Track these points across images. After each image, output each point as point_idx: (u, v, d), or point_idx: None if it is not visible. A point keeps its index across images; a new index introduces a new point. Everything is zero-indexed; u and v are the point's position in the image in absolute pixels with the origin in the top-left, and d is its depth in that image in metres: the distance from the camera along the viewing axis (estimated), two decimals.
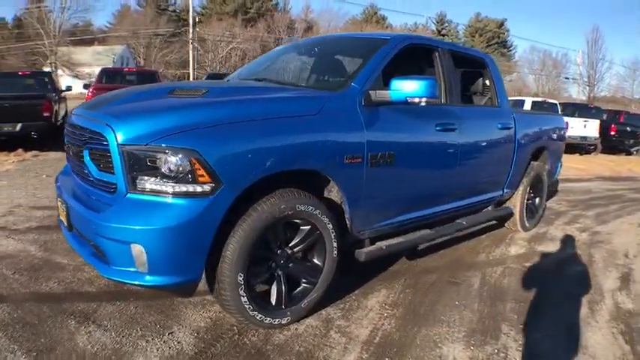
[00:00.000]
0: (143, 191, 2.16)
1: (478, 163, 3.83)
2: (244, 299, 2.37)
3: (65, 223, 2.64)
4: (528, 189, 4.78)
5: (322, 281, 2.71)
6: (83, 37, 41.38)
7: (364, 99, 2.80)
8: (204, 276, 2.32)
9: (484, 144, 3.87)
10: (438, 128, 3.29)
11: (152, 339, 2.40)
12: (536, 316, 2.98)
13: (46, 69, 31.21)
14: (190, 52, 34.43)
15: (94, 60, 39.23)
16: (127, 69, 15.01)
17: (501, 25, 55.98)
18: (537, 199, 5.16)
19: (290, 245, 2.59)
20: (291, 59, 3.91)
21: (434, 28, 54.18)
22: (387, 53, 3.10)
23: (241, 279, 2.33)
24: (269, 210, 2.36)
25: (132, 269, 2.17)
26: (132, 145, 2.14)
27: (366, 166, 2.75)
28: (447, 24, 56.32)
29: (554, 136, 5.25)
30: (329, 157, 2.56)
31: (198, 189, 2.14)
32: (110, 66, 28.25)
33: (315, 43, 4.14)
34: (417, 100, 2.81)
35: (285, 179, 2.48)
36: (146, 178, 2.15)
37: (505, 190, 4.45)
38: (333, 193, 2.77)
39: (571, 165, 11.19)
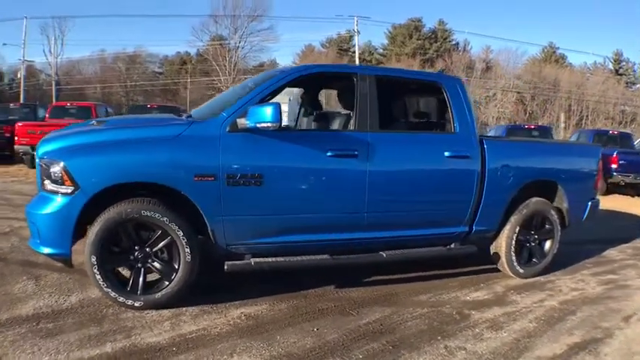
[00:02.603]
0: (45, 189, 2.83)
1: (404, 192, 3.38)
2: (98, 277, 2.78)
3: None
4: (518, 229, 3.86)
5: (177, 280, 2.91)
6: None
7: (230, 126, 2.94)
8: None
9: (414, 172, 3.40)
10: (330, 154, 3.11)
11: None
12: None
13: None
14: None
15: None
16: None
17: None
18: (546, 242, 4.08)
19: (146, 245, 2.90)
20: (229, 94, 3.99)
21: (611, 67, 44.71)
22: (271, 84, 3.15)
23: (94, 260, 2.76)
24: (117, 211, 2.77)
25: (37, 241, 2.85)
26: (41, 158, 2.84)
27: (221, 184, 2.87)
28: (624, 62, 45.64)
29: (576, 169, 4.10)
30: (179, 174, 2.81)
31: (63, 190, 2.72)
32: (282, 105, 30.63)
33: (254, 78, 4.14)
34: (264, 125, 2.81)
35: (149, 189, 2.84)
36: (47, 181, 2.81)
37: (475, 228, 3.72)
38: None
39: None
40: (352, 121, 3.34)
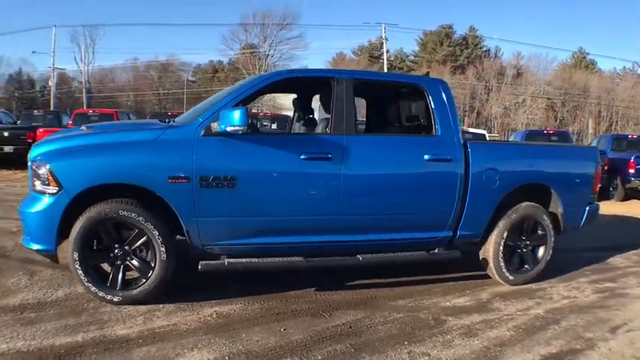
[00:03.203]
0: (34, 189, 3.00)
1: (381, 196, 3.32)
2: (80, 272, 2.90)
3: None
4: (507, 234, 3.69)
5: (153, 278, 3.00)
6: None
7: (205, 130, 3.01)
8: None
9: (391, 176, 3.34)
10: (303, 157, 3.12)
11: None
12: None
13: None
14: None
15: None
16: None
17: None
18: (540, 249, 3.87)
19: (125, 243, 3.00)
20: (212, 99, 3.84)
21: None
22: (246, 89, 3.20)
23: (76, 256, 2.88)
24: (97, 210, 2.89)
25: (28, 237, 3.02)
26: (32, 161, 3.02)
27: (195, 186, 2.94)
28: None
29: (571, 172, 3.88)
30: (154, 176, 2.90)
31: (49, 190, 2.88)
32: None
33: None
34: (233, 129, 2.86)
35: (132, 191, 2.95)
36: (36, 182, 2.98)
37: (460, 232, 3.60)
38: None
39: None
40: (328, 125, 3.33)
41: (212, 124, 3.02)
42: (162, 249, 2.97)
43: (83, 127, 3.39)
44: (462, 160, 3.48)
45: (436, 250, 3.60)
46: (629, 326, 3.11)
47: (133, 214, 2.91)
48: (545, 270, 3.97)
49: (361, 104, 4.13)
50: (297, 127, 4.39)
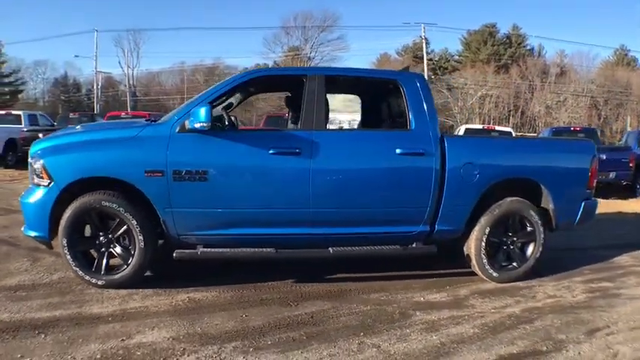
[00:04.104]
0: (33, 182, 3.28)
1: (350, 189, 3.27)
2: (68, 257, 3.12)
3: None
4: (489, 230, 3.49)
5: (133, 264, 3.17)
6: None
7: (179, 127, 3.14)
8: None
9: (361, 170, 3.28)
10: (272, 151, 3.16)
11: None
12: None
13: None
14: None
15: (343, 107, 43.61)
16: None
17: None
18: (529, 246, 3.63)
19: (109, 232, 3.20)
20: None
21: None
22: (219, 88, 3.30)
23: (65, 242, 3.11)
24: (82, 201, 3.11)
25: (26, 225, 3.29)
26: (31, 157, 3.30)
27: (169, 179, 3.08)
28: None
29: (562, 166, 3.60)
30: (132, 170, 3.08)
31: (43, 183, 3.14)
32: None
33: None
34: (198, 125, 2.96)
35: (119, 184, 3.15)
36: (34, 176, 3.26)
37: (438, 227, 3.46)
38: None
39: None
40: (300, 121, 3.35)
41: (186, 122, 3.15)
42: (141, 237, 3.13)
43: (78, 127, 3.65)
44: (437, 154, 3.35)
45: (414, 245, 3.51)
46: (610, 329, 2.84)
47: (114, 205, 3.10)
48: (538, 268, 3.74)
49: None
50: (289, 124, 4.46)
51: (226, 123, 3.33)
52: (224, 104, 3.85)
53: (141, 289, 3.22)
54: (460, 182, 3.40)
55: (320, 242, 3.38)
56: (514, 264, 3.65)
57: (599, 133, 12.48)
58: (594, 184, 3.73)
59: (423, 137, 3.38)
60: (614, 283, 3.69)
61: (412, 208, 3.41)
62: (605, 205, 7.79)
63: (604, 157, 8.11)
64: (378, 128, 3.73)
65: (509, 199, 3.55)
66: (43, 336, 2.51)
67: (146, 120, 3.77)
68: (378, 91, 3.70)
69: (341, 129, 3.60)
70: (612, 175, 8.29)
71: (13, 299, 2.97)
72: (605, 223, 6.14)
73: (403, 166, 3.33)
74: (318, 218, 3.30)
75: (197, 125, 2.98)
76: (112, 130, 3.40)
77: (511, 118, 39.01)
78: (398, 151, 3.31)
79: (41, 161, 3.11)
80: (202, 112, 2.94)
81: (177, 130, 3.14)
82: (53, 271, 3.53)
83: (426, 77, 3.42)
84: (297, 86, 3.42)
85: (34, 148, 3.25)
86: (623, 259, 4.43)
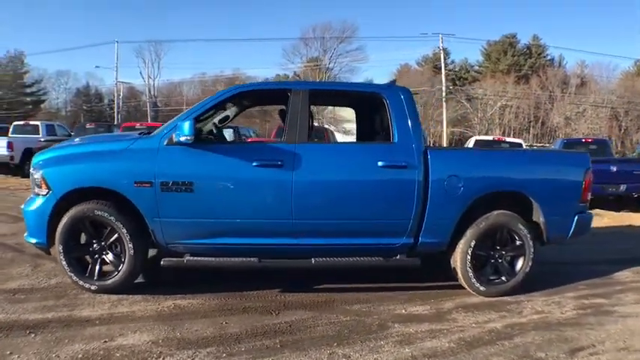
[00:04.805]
0: (34, 192, 3.45)
1: (332, 201, 3.30)
2: (63, 262, 3.28)
3: None
4: (474, 243, 3.44)
5: (123, 271, 3.28)
6: None
7: (167, 140, 3.26)
8: None
9: (342, 182, 3.31)
10: (255, 164, 3.23)
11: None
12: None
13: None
14: (444, 111, 34.08)
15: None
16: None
17: None
18: (518, 260, 3.54)
19: (101, 240, 3.32)
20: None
21: None
22: (206, 103, 3.41)
23: (61, 248, 3.26)
24: (77, 210, 3.26)
25: (27, 232, 3.46)
26: (33, 167, 3.46)
27: (157, 190, 3.19)
28: None
29: (552, 179, 3.52)
30: (122, 180, 3.21)
31: (41, 192, 3.31)
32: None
33: None
34: (183, 138, 3.06)
35: (108, 193, 3.28)
36: (35, 186, 3.43)
37: (422, 240, 3.43)
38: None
39: None
40: (283, 134, 3.41)
41: (173, 135, 3.26)
42: (130, 245, 3.25)
43: (77, 139, 3.83)
44: (419, 167, 3.34)
45: (397, 257, 3.48)
46: (595, 348, 2.73)
47: (106, 214, 3.23)
48: (530, 282, 3.64)
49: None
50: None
51: (213, 136, 3.43)
52: (219, 117, 3.98)
53: (131, 295, 3.32)
54: (444, 195, 3.38)
55: (303, 253, 3.41)
56: (502, 278, 3.57)
57: (617, 145, 12.04)
58: (588, 198, 3.62)
59: (406, 150, 3.38)
60: (609, 300, 3.54)
61: (395, 220, 3.40)
62: (615, 219, 7.50)
63: (614, 169, 7.83)
64: (362, 141, 3.75)
65: (495, 212, 3.49)
66: (33, 335, 2.64)
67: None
68: (363, 105, 3.74)
69: (322, 142, 3.63)
70: (623, 187, 7.95)
71: (11, 301, 3.13)
72: (611, 236, 5.92)
73: (385, 178, 3.34)
74: (300, 229, 3.33)
75: (182, 139, 3.09)
76: (105, 142, 3.56)
77: (531, 129, 38.06)
78: (380, 163, 3.32)
79: (40, 172, 3.28)
80: (186, 125, 3.05)
81: (165, 143, 3.26)
82: (52, 276, 3.69)
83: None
84: (284, 100, 3.49)
85: (35, 160, 3.43)
86: (624, 274, 4.26)
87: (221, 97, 3.45)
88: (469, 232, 3.46)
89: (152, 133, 3.50)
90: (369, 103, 3.72)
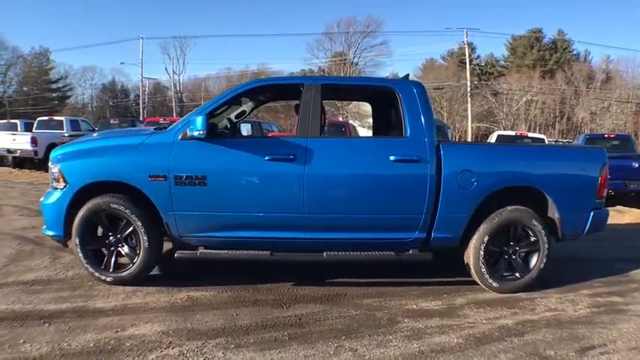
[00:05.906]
0: (52, 186, 3.58)
1: (344, 195, 3.31)
2: (80, 254, 3.39)
3: None
4: (487, 238, 3.40)
5: (138, 263, 3.37)
6: None
7: (182, 134, 3.33)
8: None
9: (354, 176, 3.32)
10: (267, 158, 3.27)
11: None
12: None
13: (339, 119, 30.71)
14: (469, 105, 33.54)
15: None
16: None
17: None
18: (532, 256, 3.49)
19: (117, 232, 3.43)
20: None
21: None
22: (221, 97, 3.46)
23: (77, 241, 3.38)
24: (93, 203, 3.36)
25: (45, 225, 3.58)
26: (50, 162, 3.58)
27: (171, 184, 3.27)
28: None
29: (568, 174, 3.44)
30: (137, 174, 3.30)
31: (59, 186, 3.43)
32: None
33: None
34: (196, 133, 3.13)
35: (123, 187, 3.38)
36: (53, 180, 3.55)
37: (434, 235, 3.41)
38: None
39: None
40: (296, 128, 3.44)
41: (187, 130, 3.33)
42: (145, 238, 3.34)
43: (95, 134, 3.95)
44: (432, 161, 3.32)
45: (409, 252, 3.48)
46: (607, 347, 2.67)
47: (121, 207, 3.33)
48: (546, 278, 3.59)
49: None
50: None
51: (229, 131, 3.48)
52: (236, 112, 4.05)
53: (145, 287, 3.42)
54: (457, 189, 3.35)
55: (314, 246, 3.43)
56: (516, 274, 3.52)
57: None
58: (604, 194, 3.53)
59: (418, 144, 3.36)
60: (624, 298, 3.46)
61: (407, 215, 3.39)
62: (637, 215, 7.23)
63: (637, 165, 7.56)
64: (378, 135, 3.75)
65: (509, 207, 3.44)
66: (47, 325, 2.76)
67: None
68: (378, 100, 3.73)
69: (334, 136, 3.65)
70: None
71: (28, 292, 3.26)
72: (632, 233, 5.72)
73: (397, 173, 3.33)
74: (312, 223, 3.36)
75: (195, 133, 3.16)
76: (122, 137, 3.66)
77: (557, 124, 37.08)
78: (392, 158, 3.32)
79: (58, 166, 3.40)
80: (199, 120, 3.11)
81: (179, 137, 3.34)
82: (70, 268, 3.82)
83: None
84: (298, 95, 3.52)
85: (53, 154, 3.56)
86: None
87: (234, 93, 3.50)
88: (482, 228, 3.43)
89: (167, 128, 3.59)
90: (382, 97, 3.71)
